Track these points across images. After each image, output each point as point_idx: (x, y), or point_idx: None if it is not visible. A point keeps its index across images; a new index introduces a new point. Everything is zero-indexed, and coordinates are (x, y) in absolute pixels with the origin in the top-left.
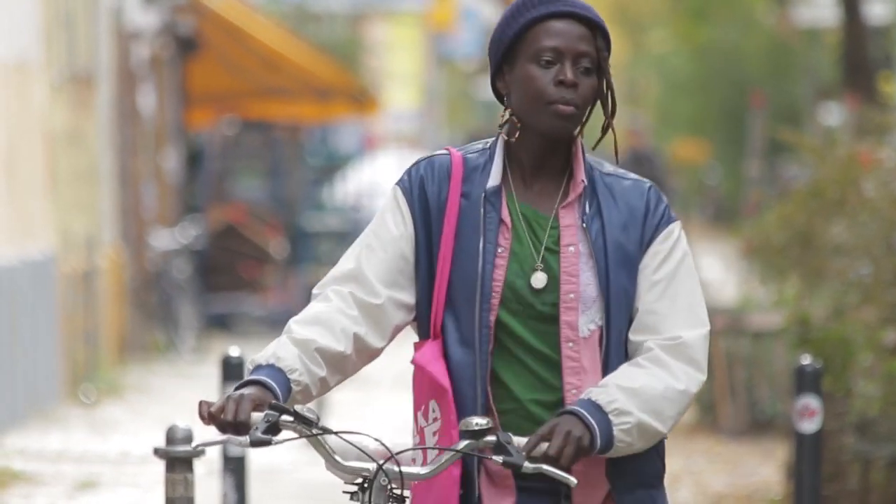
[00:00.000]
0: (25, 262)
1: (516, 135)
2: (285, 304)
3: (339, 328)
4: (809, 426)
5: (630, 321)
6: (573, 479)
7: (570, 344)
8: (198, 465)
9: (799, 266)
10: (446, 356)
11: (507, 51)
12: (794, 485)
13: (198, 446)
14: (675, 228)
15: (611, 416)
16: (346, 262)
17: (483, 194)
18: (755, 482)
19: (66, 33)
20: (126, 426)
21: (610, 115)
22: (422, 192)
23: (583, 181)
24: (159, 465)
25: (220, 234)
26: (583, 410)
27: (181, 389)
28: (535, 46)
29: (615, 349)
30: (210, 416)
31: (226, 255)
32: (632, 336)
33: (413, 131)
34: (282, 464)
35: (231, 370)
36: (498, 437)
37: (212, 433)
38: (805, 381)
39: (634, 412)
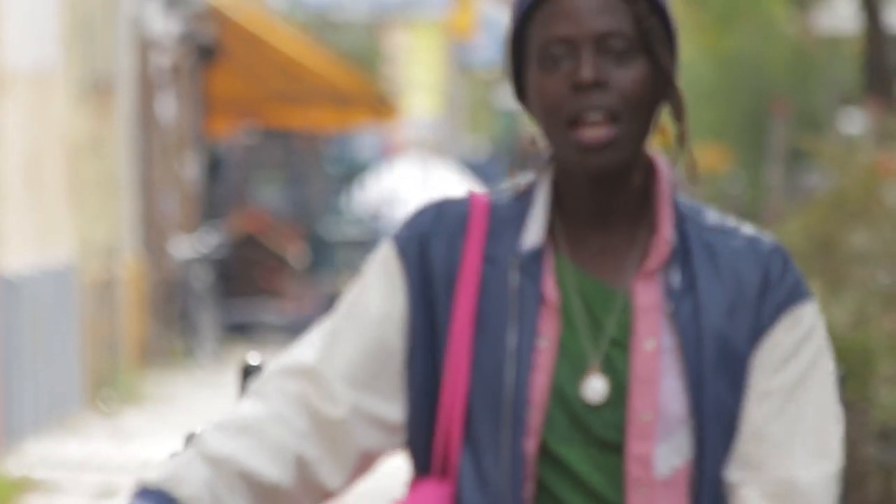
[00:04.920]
0: (46, 270)
1: (554, 168)
2: (304, 312)
3: (275, 445)
4: None
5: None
6: None
7: (643, 490)
8: None
9: (820, 274)
10: None
11: (518, 49)
12: None
13: None
14: (808, 312)
15: None
16: (303, 348)
17: (516, 259)
18: None
19: (86, 42)
20: (146, 434)
21: (678, 115)
22: (423, 254)
23: (668, 241)
24: None
25: (239, 243)
26: None
27: (201, 397)
28: (541, 38)
29: (709, 495)
30: None
31: (245, 263)
32: (727, 472)
33: (434, 139)
34: None
35: (250, 378)
36: None
37: None
38: None
39: None
